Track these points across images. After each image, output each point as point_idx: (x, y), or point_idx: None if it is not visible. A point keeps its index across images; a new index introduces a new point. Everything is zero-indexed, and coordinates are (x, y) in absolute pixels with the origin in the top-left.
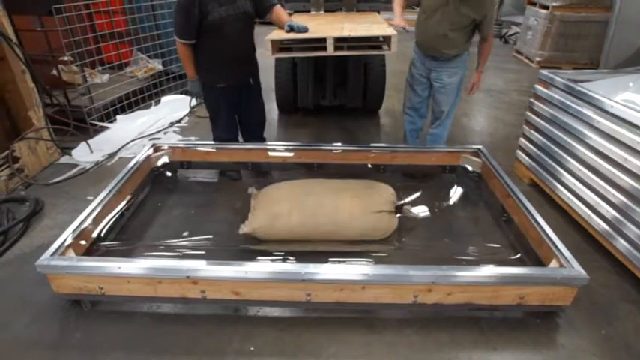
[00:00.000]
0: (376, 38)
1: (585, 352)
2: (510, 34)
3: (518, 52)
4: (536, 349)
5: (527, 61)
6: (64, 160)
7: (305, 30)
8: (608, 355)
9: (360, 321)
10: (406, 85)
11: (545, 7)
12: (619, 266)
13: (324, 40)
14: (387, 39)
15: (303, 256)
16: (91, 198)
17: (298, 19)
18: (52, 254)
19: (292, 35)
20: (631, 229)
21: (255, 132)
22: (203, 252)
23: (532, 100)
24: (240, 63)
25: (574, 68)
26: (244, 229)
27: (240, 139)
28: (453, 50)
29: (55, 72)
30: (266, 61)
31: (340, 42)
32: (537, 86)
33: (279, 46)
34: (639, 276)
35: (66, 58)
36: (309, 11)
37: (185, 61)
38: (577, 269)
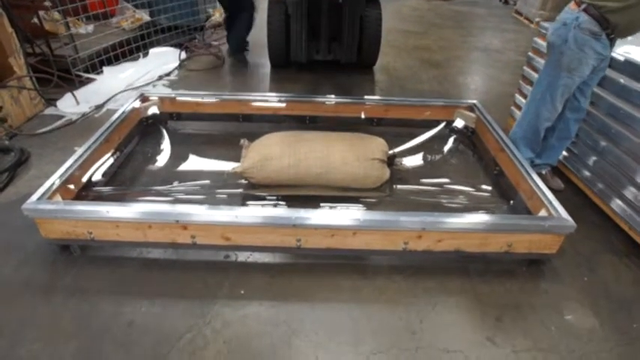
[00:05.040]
0: None
1: (567, 297)
2: None
3: (518, 13)
4: (521, 295)
5: (526, 21)
6: (49, 111)
7: None
8: (588, 300)
9: (351, 267)
10: (556, 102)
11: None
12: (606, 219)
13: None
14: None
15: (294, 202)
16: (78, 149)
17: None
18: (39, 198)
19: None
20: (624, 185)
21: None
22: (194, 197)
23: (531, 54)
24: None
25: None
26: (235, 168)
27: None
28: None
29: (36, 20)
30: (260, 15)
31: None
32: (536, 39)
33: None
34: (625, 229)
35: (46, 3)
36: None
37: None
38: (565, 218)
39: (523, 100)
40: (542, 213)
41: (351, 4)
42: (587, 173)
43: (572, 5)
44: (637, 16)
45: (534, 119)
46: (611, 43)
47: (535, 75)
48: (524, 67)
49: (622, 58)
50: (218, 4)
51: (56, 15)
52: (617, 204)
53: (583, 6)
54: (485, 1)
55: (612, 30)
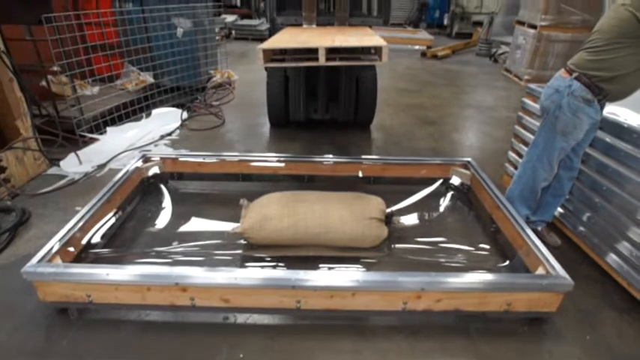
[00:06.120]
0: (368, 50)
1: (571, 357)
2: (500, 54)
3: (508, 71)
4: (523, 356)
5: (515, 79)
6: (52, 170)
7: None
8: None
9: (350, 328)
10: (553, 163)
11: (534, 27)
12: (605, 275)
13: (316, 51)
14: (377, 50)
15: (293, 263)
16: (79, 208)
17: (291, 33)
18: (39, 261)
19: (284, 44)
20: (619, 241)
21: None
22: (193, 259)
23: (520, 114)
24: None
25: None
26: (235, 229)
27: None
28: None
29: (44, 83)
30: (259, 75)
31: (332, 53)
32: (525, 100)
33: (271, 56)
34: (623, 285)
35: (55, 69)
36: (301, 25)
37: None
38: (563, 276)
39: (516, 157)
40: (540, 271)
41: (347, 67)
42: (582, 229)
43: (563, 73)
44: (627, 83)
45: (531, 179)
46: (602, 107)
47: (526, 133)
48: (516, 126)
49: (610, 119)
50: (219, 66)
51: (64, 78)
52: (613, 259)
53: (575, 74)
54: (476, 59)
55: (604, 96)
